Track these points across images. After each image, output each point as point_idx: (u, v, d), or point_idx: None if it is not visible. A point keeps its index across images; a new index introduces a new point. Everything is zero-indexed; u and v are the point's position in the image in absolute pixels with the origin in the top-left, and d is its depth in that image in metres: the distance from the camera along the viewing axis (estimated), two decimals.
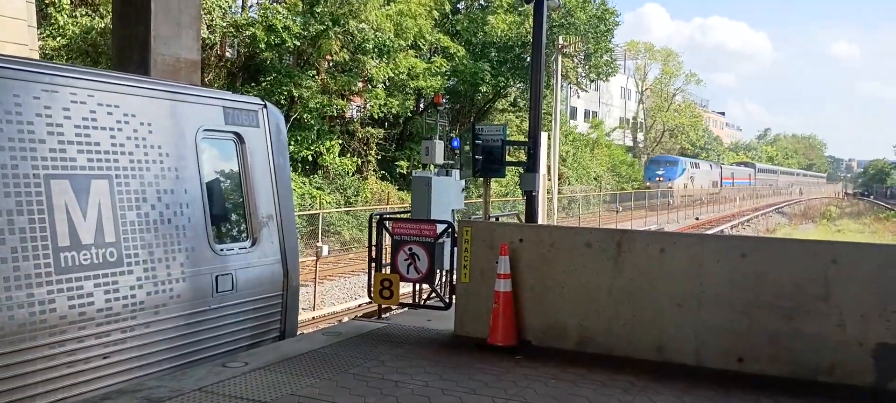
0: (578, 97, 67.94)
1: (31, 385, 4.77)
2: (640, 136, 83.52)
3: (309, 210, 16.52)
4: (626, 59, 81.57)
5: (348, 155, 31.72)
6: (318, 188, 29.13)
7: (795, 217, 67.32)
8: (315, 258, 15.54)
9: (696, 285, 6.01)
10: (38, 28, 21.64)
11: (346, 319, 13.90)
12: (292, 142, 29.23)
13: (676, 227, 40.07)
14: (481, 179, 7.88)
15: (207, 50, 28.75)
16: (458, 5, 39.68)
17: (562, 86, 40.31)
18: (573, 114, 69.96)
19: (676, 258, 6.11)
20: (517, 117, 42.19)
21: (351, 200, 28.86)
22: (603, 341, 6.35)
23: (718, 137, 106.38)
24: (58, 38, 22.01)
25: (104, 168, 5.38)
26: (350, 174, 30.98)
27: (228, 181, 6.76)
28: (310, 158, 29.81)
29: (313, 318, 14.69)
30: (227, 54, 31.46)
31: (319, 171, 30.40)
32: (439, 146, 8.28)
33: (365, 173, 32.75)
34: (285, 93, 28.99)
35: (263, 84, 29.56)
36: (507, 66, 36.33)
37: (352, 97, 34.89)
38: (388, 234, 7.56)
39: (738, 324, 5.86)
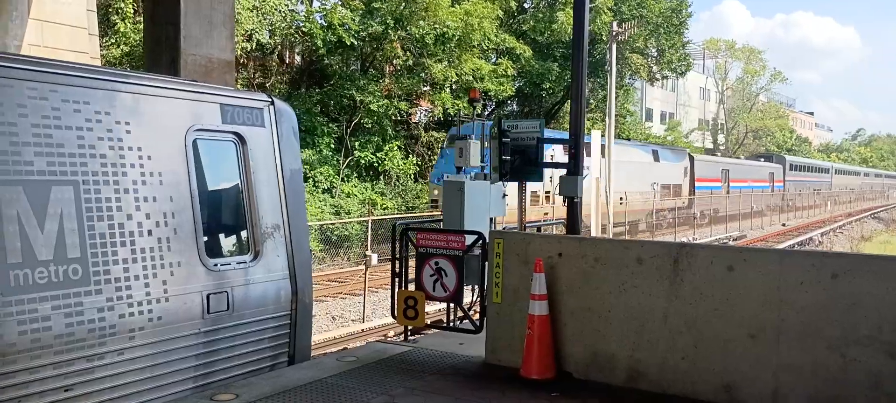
0: (650, 92, 65.37)
1: None
2: (721, 139, 79.92)
3: (368, 217, 15.83)
4: (704, 58, 78.33)
5: (411, 158, 31.11)
6: (380, 193, 28.64)
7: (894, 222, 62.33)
8: (364, 267, 14.85)
9: (773, 312, 4.86)
10: (103, 36, 21.99)
11: (391, 334, 13.14)
12: (355, 147, 28.88)
13: (755, 236, 37.23)
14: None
15: (268, 55, 28.76)
16: (525, 4, 38.59)
17: (632, 83, 38.62)
18: (649, 116, 67.47)
19: (749, 278, 4.98)
20: (589, 120, 40.71)
21: (412, 205, 28.20)
22: (657, 376, 5.27)
23: (807, 139, 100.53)
24: (122, 46, 22.24)
25: (69, 173, 4.72)
26: (412, 178, 30.36)
27: (226, 187, 6.04)
28: (372, 163, 29.37)
29: (362, 331, 14.01)
30: (296, 59, 31.47)
31: (382, 176, 29.92)
32: (475, 147, 7.37)
33: (428, 177, 32.08)
34: (347, 97, 28.66)
35: (325, 88, 29.35)
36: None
37: (418, 101, 34.35)
38: (413, 246, 6.69)
39: (829, 363, 4.68)
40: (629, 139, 40.94)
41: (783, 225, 45.72)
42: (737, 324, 4.99)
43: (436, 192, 23.08)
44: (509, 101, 38.42)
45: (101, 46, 18.64)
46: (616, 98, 40.53)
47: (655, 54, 39.86)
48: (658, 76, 42.97)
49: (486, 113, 36.11)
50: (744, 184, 47.79)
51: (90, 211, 4.79)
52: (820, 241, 40.31)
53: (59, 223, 4.61)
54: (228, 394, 5.14)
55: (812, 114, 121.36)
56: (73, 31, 14.02)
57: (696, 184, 40.78)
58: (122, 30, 22.07)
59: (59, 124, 4.72)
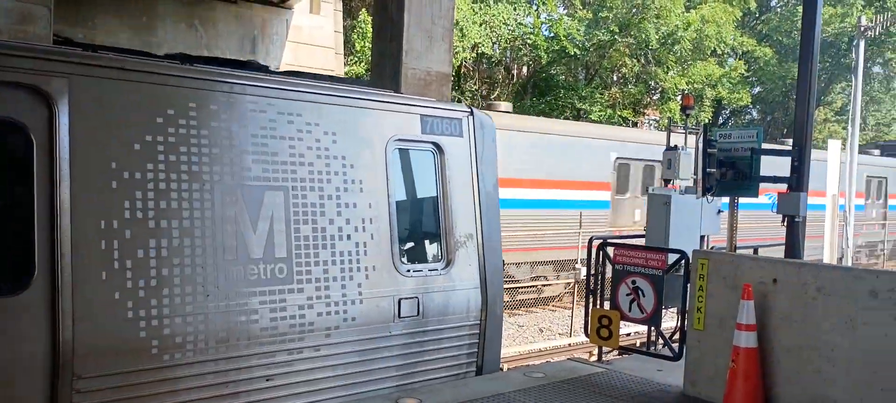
0: None
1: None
2: None
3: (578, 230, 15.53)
4: None
5: None
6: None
7: None
8: (573, 282, 14.54)
9: None
10: (347, 55, 24.11)
11: (596, 351, 12.67)
12: None
13: None
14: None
15: (494, 67, 29.48)
16: (771, 2, 35.40)
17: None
18: None
19: None
20: (845, 128, 36.16)
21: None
22: None
23: None
24: (362, 63, 24.18)
25: (281, 179, 5.16)
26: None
27: (423, 195, 6.20)
28: None
29: (569, 345, 13.72)
30: (522, 70, 31.98)
31: None
32: (686, 158, 6.80)
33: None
34: (570, 107, 28.41)
35: (548, 99, 29.37)
36: (827, 66, 31.22)
37: (646, 111, 33.05)
38: (610, 263, 6.36)
39: None
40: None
41: None
42: None
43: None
44: (748, 109, 35.48)
45: (345, 64, 20.46)
46: (880, 104, 35.59)
47: None
48: None
49: (720, 123, 33.69)
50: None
51: (296, 215, 5.19)
52: None
53: (270, 224, 5.05)
54: (412, 399, 5.27)
55: None
56: (323, 51, 15.53)
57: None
58: (359, 48, 24.00)
59: (274, 135, 5.17)
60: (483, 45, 25.41)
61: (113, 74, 4.56)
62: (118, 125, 4.53)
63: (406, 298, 5.69)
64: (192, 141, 4.81)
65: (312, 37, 15.31)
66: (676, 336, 6.46)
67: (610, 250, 6.39)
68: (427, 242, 6.20)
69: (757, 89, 32.63)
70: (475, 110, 6.53)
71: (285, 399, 5.05)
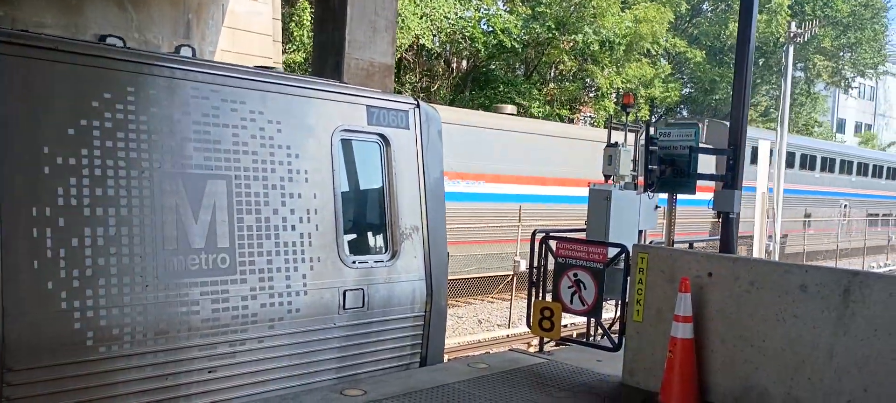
0: (843, 101, 59.29)
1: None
2: None
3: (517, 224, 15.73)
4: None
5: None
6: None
7: None
8: (512, 274, 14.75)
9: None
10: (285, 43, 23.69)
11: (534, 343, 12.90)
12: None
13: None
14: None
15: (434, 60, 29.51)
16: (702, 6, 36.60)
17: (822, 91, 35.21)
18: (841, 127, 61.45)
19: None
20: (772, 131, 37.81)
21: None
22: None
23: None
24: (300, 52, 23.81)
25: (223, 168, 5.03)
26: None
27: (368, 187, 6.17)
28: None
29: (507, 336, 13.91)
30: (462, 64, 32.10)
31: None
32: (625, 154, 6.99)
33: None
34: (508, 102, 28.70)
35: (487, 92, 29.60)
36: (753, 70, 32.57)
37: (581, 108, 33.69)
38: (552, 256, 6.47)
39: None
40: None
41: None
42: None
43: None
44: (679, 108, 36.64)
45: (283, 52, 20.08)
46: (801, 106, 37.34)
47: (845, 56, 36.13)
48: (849, 78, 38.84)
49: (654, 120, 34.68)
50: None
51: (240, 204, 5.08)
52: None
53: (212, 214, 4.92)
54: (357, 390, 5.24)
55: None
56: (261, 38, 15.18)
57: None
58: (298, 36, 23.63)
59: (217, 122, 5.04)
60: (424, 38, 25.40)
61: (44, 55, 4.35)
62: (50, 109, 4.33)
63: (351, 290, 5.65)
64: (131, 126, 4.64)
65: (250, 23, 14.96)
66: (615, 328, 6.63)
67: (552, 243, 6.51)
68: (372, 234, 6.17)
69: (687, 89, 33.70)
70: (422, 102, 6.53)
71: (228, 391, 4.95)
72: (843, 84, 39.84)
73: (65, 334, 4.25)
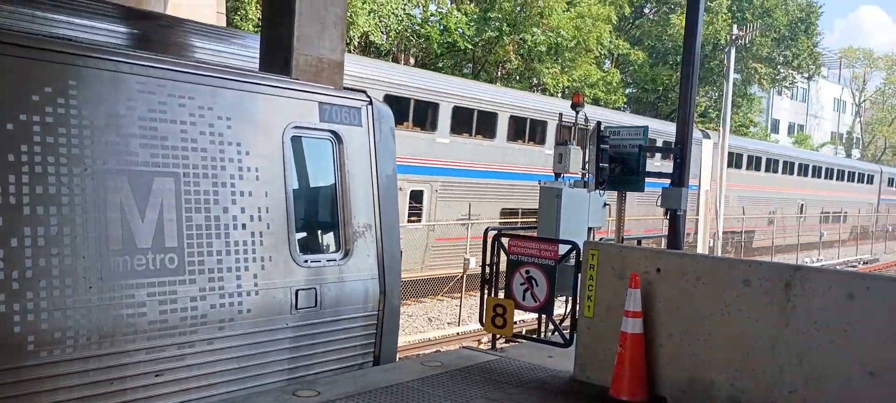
0: (778, 102, 61.53)
1: None
2: (856, 153, 74.28)
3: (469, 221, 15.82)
4: (841, 68, 73.11)
5: None
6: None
7: None
8: (462, 271, 14.81)
9: None
10: None
11: (485, 340, 13.01)
12: None
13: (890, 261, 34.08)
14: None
15: (384, 56, 29.38)
16: (645, 9, 37.42)
17: (757, 93, 36.45)
18: (775, 128, 63.73)
19: (872, 309, 4.48)
20: (715, 130, 38.96)
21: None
22: None
23: None
24: None
25: (171, 165, 4.90)
26: None
27: (320, 184, 6.10)
28: None
29: (457, 334, 13.96)
30: (410, 61, 32.03)
31: None
32: (575, 153, 7.10)
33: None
34: None
35: None
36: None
37: None
38: (504, 253, 6.52)
39: None
40: None
41: None
42: (855, 360, 4.49)
43: None
44: (623, 109, 37.40)
45: None
46: (738, 107, 38.56)
47: (781, 62, 37.54)
48: (784, 80, 40.37)
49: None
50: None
51: (188, 202, 4.95)
52: None
53: (159, 213, 4.78)
54: (311, 391, 5.18)
55: None
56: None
57: None
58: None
59: (165, 117, 4.90)
60: (372, 34, 25.26)
61: None
62: None
63: (303, 289, 5.58)
64: (73, 122, 4.47)
65: (193, 14, 14.62)
66: (566, 324, 6.72)
67: (504, 241, 6.56)
68: (325, 232, 6.11)
69: (629, 89, 34.42)
70: (374, 99, 6.48)
71: (176, 394, 4.82)
72: (787, 82, 41.44)
73: (4, 338, 4.07)
